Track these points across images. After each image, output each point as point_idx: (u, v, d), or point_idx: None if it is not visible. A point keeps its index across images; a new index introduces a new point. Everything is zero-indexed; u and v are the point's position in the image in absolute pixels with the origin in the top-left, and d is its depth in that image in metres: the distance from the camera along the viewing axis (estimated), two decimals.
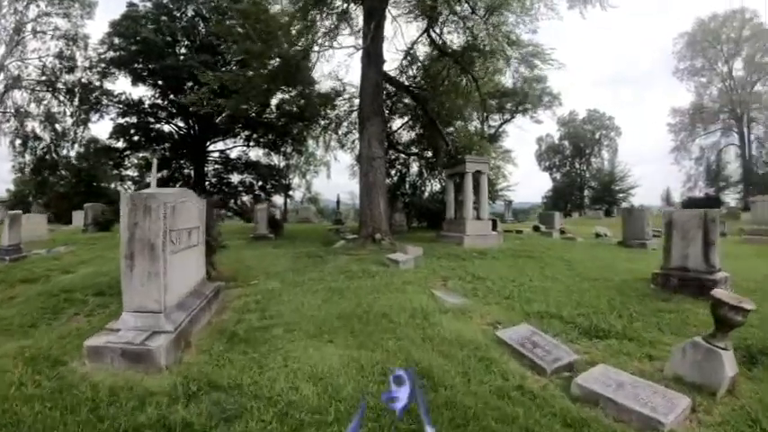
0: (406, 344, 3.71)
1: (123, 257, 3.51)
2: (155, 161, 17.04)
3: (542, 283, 6.42)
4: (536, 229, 18.73)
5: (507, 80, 13.37)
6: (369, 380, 3.04)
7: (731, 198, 42.25)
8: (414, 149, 19.42)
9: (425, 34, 13.43)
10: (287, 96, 18.74)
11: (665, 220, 6.11)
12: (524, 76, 17.96)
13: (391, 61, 16.62)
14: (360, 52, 12.06)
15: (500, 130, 31.91)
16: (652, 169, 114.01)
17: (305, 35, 11.98)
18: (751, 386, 3.13)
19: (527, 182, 55.69)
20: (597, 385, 2.92)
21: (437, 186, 19.80)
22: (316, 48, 12.22)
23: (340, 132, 19.14)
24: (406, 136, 19.63)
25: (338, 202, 30.88)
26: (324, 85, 17.56)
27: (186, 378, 2.99)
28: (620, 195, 50.56)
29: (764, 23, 37.13)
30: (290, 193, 37.53)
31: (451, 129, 17.17)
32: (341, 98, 17.31)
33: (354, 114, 16.30)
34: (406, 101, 17.31)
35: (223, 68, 14.47)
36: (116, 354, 3.19)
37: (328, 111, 17.68)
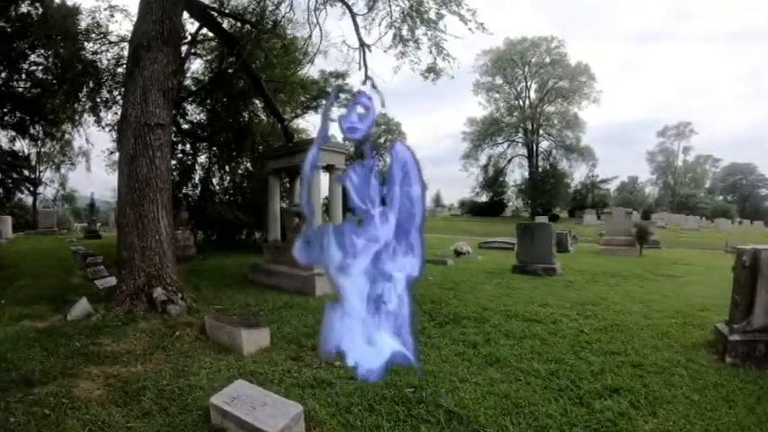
0: None
1: None
2: None
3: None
4: None
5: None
6: None
7: (509, 200, 50.26)
8: (204, 132, 13.39)
9: None
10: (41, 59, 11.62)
11: (745, 261, 3.55)
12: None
13: None
14: None
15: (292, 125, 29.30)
16: (440, 173, 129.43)
17: None
18: None
19: None
20: None
21: (228, 183, 14.37)
22: None
23: (99, 99, 11.59)
24: (194, 113, 13.54)
25: (92, 204, 21.33)
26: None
27: None
28: None
29: (566, 53, 44.37)
30: (40, 190, 28.19)
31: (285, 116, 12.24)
32: (108, 42, 10.65)
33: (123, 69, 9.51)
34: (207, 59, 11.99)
35: None
36: None
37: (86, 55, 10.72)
